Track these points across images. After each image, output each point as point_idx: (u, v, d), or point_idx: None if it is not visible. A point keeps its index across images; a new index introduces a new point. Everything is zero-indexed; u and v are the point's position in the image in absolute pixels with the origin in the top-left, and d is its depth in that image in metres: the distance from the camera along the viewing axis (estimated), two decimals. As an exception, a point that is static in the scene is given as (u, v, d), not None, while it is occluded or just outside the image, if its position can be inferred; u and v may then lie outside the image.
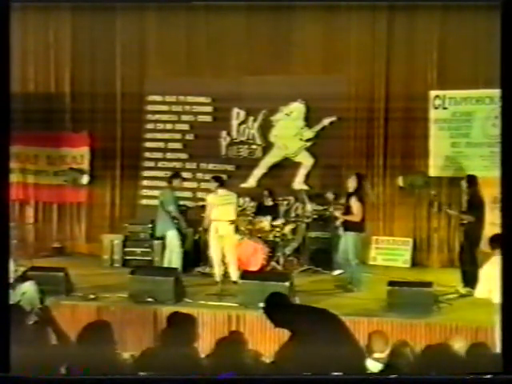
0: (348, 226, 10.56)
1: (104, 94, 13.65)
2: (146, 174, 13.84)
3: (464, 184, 10.67)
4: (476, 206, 10.43)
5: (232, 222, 11.17)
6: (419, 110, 12.44)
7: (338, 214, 10.89)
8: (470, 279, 10.36)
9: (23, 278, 8.16)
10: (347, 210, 10.54)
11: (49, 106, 13.79)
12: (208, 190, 12.93)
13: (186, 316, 5.78)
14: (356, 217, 10.40)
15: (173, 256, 11.31)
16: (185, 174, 13.17)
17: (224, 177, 12.24)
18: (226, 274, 11.19)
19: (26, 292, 7.89)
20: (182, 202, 13.13)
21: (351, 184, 10.59)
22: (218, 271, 11.00)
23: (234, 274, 11.02)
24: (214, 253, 11.13)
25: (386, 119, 12.76)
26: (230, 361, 5.04)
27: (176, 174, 11.98)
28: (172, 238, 11.37)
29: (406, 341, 6.24)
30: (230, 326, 9.10)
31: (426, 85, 12.52)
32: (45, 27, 13.86)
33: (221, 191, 11.21)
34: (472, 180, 10.61)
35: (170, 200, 11.43)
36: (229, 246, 11.16)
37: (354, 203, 10.41)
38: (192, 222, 12.27)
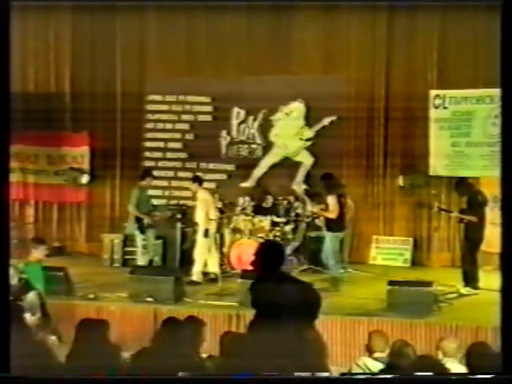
0: (327, 226, 10.67)
1: (104, 93, 13.65)
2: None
3: (456, 192, 10.78)
4: (475, 206, 10.44)
5: (216, 220, 11.28)
6: (419, 110, 12.44)
7: (315, 209, 11.03)
8: (470, 279, 10.39)
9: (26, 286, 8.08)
10: (326, 209, 10.68)
11: (49, 105, 13.78)
12: (208, 190, 12.99)
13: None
14: (331, 213, 10.49)
15: (137, 255, 11.41)
16: (185, 174, 13.19)
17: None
18: (225, 274, 11.21)
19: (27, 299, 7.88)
20: (182, 202, 13.21)
21: (322, 185, 10.77)
22: (200, 271, 11.02)
23: (215, 273, 11.05)
24: (201, 253, 11.09)
25: (386, 119, 12.77)
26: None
27: (147, 171, 12.00)
28: (137, 237, 11.48)
29: (405, 340, 6.24)
30: (230, 325, 9.10)
31: (426, 84, 12.52)
32: (45, 27, 13.85)
33: (204, 190, 11.32)
34: (461, 184, 10.68)
35: (133, 199, 11.47)
36: (214, 245, 11.24)
37: (330, 200, 10.53)
38: (192, 221, 12.27)
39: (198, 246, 11.11)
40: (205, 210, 11.06)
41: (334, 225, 10.59)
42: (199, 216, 11.09)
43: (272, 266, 5.61)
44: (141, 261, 11.38)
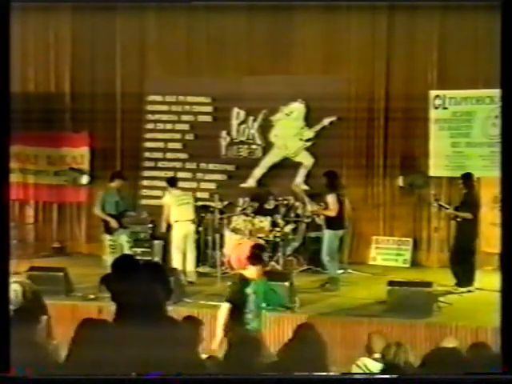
0: (327, 224, 10.67)
1: (104, 94, 13.65)
2: (146, 174, 13.83)
3: (459, 182, 10.73)
4: (470, 205, 10.46)
5: (192, 221, 11.16)
6: (419, 110, 12.45)
7: (315, 207, 11.05)
8: (463, 278, 10.39)
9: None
10: (326, 208, 10.71)
11: (49, 106, 13.79)
12: (207, 190, 13.03)
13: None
14: (331, 212, 10.50)
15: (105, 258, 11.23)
16: (185, 174, 13.20)
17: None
18: (225, 274, 11.21)
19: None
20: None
21: (323, 183, 10.78)
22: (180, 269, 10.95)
23: (192, 275, 11.00)
24: (175, 253, 11.09)
25: (386, 119, 12.76)
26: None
27: (118, 172, 11.82)
28: (105, 239, 11.33)
29: (399, 342, 6.23)
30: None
31: (426, 85, 12.52)
32: (45, 27, 13.86)
33: (175, 191, 11.26)
34: (467, 178, 10.65)
35: (98, 201, 11.32)
36: (190, 246, 11.16)
37: (329, 199, 10.56)
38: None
39: (173, 246, 11.23)
40: (165, 213, 11.17)
41: (334, 223, 10.60)
42: (174, 217, 11.17)
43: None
44: (109, 262, 11.20)
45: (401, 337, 8.03)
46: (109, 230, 11.18)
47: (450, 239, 11.50)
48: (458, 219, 10.54)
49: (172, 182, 11.48)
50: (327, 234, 10.69)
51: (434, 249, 12.55)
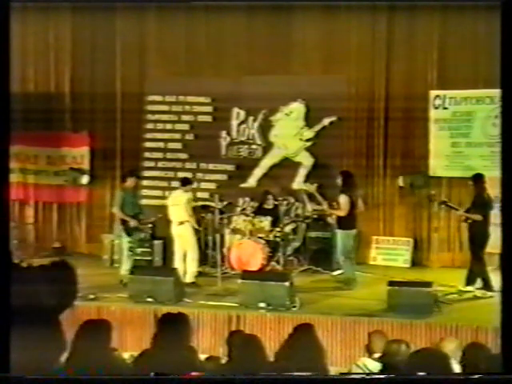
0: (338, 224, 10.68)
1: (104, 93, 13.64)
2: (146, 174, 13.82)
3: (470, 183, 10.69)
4: (481, 206, 10.42)
5: (181, 222, 11.05)
6: (419, 110, 12.44)
7: (325, 206, 11.04)
8: (474, 279, 10.37)
9: None
10: (337, 207, 10.74)
11: (49, 106, 13.78)
12: (207, 190, 13.04)
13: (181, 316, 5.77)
14: (341, 212, 10.55)
15: (123, 260, 11.18)
16: (185, 174, 13.18)
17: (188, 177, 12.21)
18: (225, 274, 11.22)
19: None
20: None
21: (338, 182, 10.80)
22: (180, 269, 10.90)
23: (190, 276, 10.98)
24: (175, 253, 11.16)
25: (386, 119, 12.76)
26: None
27: (131, 171, 11.68)
28: (123, 240, 11.25)
29: (400, 340, 6.23)
30: (230, 326, 9.11)
31: (426, 85, 12.52)
32: (45, 27, 13.85)
33: (176, 192, 11.32)
34: (478, 179, 10.62)
35: (117, 201, 11.22)
36: (187, 247, 11.11)
37: (340, 199, 10.59)
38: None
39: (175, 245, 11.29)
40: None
41: (345, 223, 10.60)
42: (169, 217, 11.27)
43: None
44: (126, 264, 11.07)
45: (401, 337, 8.02)
46: (128, 232, 11.11)
47: (462, 239, 11.47)
48: (469, 221, 10.50)
49: (183, 182, 11.45)
50: (339, 235, 10.70)
51: (434, 249, 12.53)
